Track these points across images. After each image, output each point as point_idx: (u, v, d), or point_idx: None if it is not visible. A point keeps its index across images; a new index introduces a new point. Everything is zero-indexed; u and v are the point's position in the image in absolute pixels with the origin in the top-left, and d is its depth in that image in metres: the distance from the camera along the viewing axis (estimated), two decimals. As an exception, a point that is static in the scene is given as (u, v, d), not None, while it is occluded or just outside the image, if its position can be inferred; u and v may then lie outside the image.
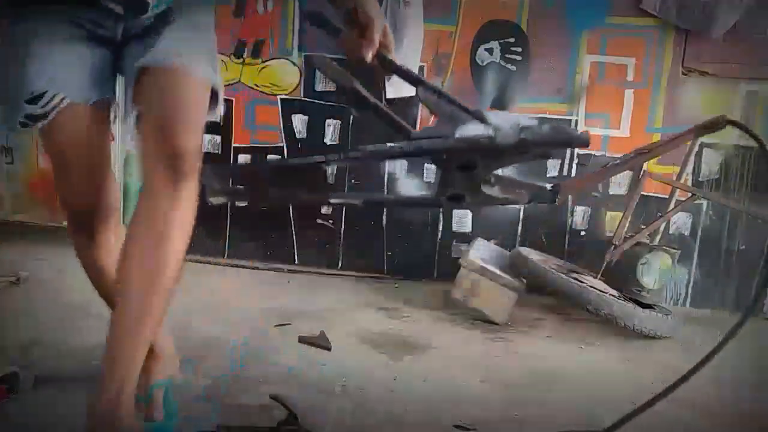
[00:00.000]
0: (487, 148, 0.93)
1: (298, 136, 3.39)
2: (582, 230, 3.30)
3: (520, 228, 3.33)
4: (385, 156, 1.07)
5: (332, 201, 1.14)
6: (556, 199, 1.11)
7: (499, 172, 1.01)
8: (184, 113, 1.19)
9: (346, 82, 1.09)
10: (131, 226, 1.24)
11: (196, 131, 1.22)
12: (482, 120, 0.96)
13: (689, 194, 2.92)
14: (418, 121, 3.34)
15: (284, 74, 3.33)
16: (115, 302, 1.27)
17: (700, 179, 3.19)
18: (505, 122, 0.94)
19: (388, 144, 0.98)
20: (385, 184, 3.35)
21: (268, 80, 3.35)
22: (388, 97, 3.25)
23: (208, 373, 1.90)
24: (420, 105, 3.33)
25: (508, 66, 3.27)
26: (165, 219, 1.19)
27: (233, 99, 3.41)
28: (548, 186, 1.07)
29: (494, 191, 1.02)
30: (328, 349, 2.20)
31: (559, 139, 0.92)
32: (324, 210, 3.41)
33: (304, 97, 3.34)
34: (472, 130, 0.95)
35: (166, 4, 1.28)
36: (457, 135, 0.95)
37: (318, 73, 3.32)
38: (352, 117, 3.32)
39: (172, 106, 1.19)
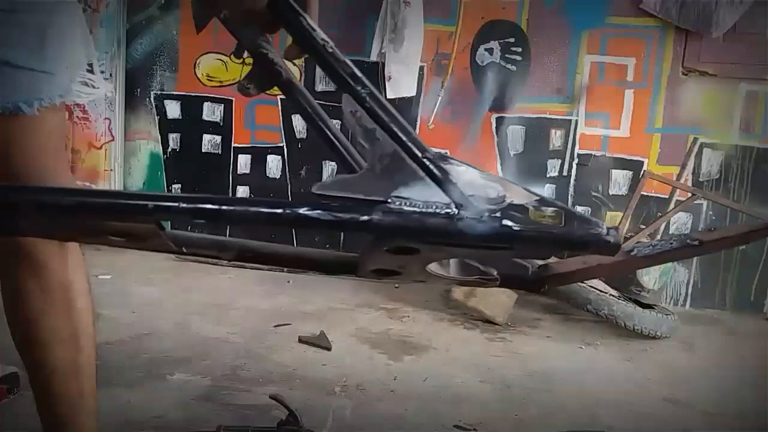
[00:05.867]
0: (437, 232, 0.59)
1: (298, 136, 3.39)
2: (582, 230, 3.29)
3: (520, 228, 3.32)
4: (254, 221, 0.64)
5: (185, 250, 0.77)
6: (541, 288, 0.77)
7: None
8: None
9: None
10: None
11: None
12: (440, 180, 0.60)
13: (689, 194, 2.91)
14: (418, 124, 3.32)
15: (284, 74, 3.33)
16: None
17: (700, 179, 3.19)
18: (480, 189, 0.59)
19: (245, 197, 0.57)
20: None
21: (269, 80, 3.34)
22: (388, 97, 3.25)
23: (208, 373, 1.90)
24: (420, 106, 3.33)
25: (508, 66, 3.27)
26: None
27: (233, 99, 3.41)
28: (531, 267, 0.75)
29: (447, 270, 0.71)
30: (328, 349, 2.20)
31: (573, 240, 0.59)
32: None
33: (304, 97, 3.33)
34: (418, 194, 0.59)
35: None
36: (393, 201, 0.59)
37: (318, 73, 3.32)
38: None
39: None
